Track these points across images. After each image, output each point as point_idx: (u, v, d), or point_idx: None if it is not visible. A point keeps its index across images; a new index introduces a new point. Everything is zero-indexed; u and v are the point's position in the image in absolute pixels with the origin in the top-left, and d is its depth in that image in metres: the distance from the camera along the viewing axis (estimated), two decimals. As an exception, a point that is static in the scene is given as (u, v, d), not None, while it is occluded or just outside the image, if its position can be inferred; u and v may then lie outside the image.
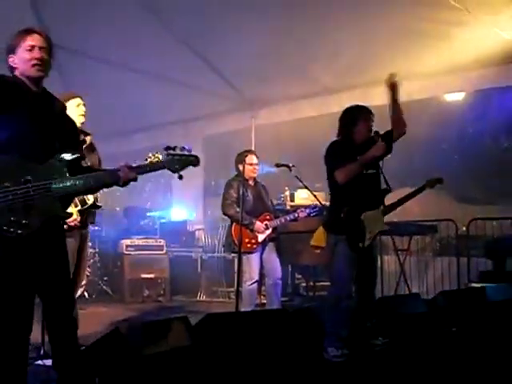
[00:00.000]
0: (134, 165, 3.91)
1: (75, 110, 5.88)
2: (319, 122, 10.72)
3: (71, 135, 4.04)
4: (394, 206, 6.07)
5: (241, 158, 7.55)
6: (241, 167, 7.49)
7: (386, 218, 5.96)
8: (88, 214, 5.82)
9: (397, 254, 9.09)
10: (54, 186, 3.64)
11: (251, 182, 7.66)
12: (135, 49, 9.24)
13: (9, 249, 3.56)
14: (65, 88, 9.74)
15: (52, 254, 3.75)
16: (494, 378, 4.86)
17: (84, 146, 5.84)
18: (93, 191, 4.54)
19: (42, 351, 5.42)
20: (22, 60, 3.77)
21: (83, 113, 5.94)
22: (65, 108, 4.15)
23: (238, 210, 7.29)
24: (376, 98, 9.67)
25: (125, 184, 3.93)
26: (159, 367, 4.40)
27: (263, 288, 8.57)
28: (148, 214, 12.96)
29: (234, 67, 9.77)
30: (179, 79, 10.16)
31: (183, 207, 13.33)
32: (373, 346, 5.77)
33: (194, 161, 4.05)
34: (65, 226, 4.21)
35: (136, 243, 11.08)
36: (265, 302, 8.01)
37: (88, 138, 5.95)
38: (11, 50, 3.82)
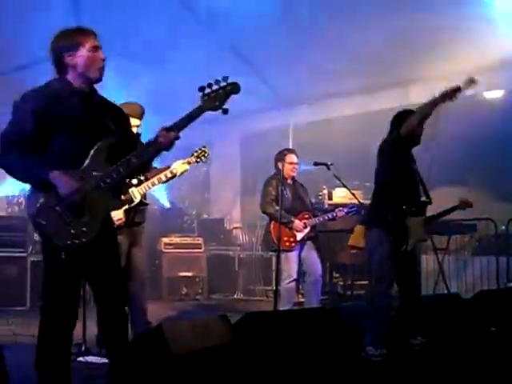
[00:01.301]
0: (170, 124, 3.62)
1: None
2: (356, 120, 10.70)
3: (122, 127, 3.86)
4: (432, 219, 6.12)
5: (281, 157, 7.50)
6: (280, 165, 7.43)
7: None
8: (135, 212, 5.76)
9: (435, 253, 9.02)
10: (100, 181, 3.54)
11: (290, 181, 7.62)
12: (173, 48, 9.32)
13: (72, 255, 3.54)
14: (100, 88, 9.91)
15: (104, 250, 3.72)
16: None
17: None
18: (142, 169, 4.13)
19: (83, 348, 5.45)
20: (89, 59, 3.58)
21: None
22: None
23: (276, 208, 7.27)
24: (413, 97, 9.66)
25: (170, 147, 3.66)
26: (200, 365, 4.43)
27: (300, 286, 8.57)
28: (186, 213, 13.04)
29: (271, 66, 9.79)
30: (217, 78, 10.19)
31: (221, 205, 13.40)
32: (412, 345, 5.74)
33: (233, 88, 3.70)
34: None
35: (174, 241, 11.16)
36: (303, 300, 8.00)
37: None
38: (72, 48, 3.58)
